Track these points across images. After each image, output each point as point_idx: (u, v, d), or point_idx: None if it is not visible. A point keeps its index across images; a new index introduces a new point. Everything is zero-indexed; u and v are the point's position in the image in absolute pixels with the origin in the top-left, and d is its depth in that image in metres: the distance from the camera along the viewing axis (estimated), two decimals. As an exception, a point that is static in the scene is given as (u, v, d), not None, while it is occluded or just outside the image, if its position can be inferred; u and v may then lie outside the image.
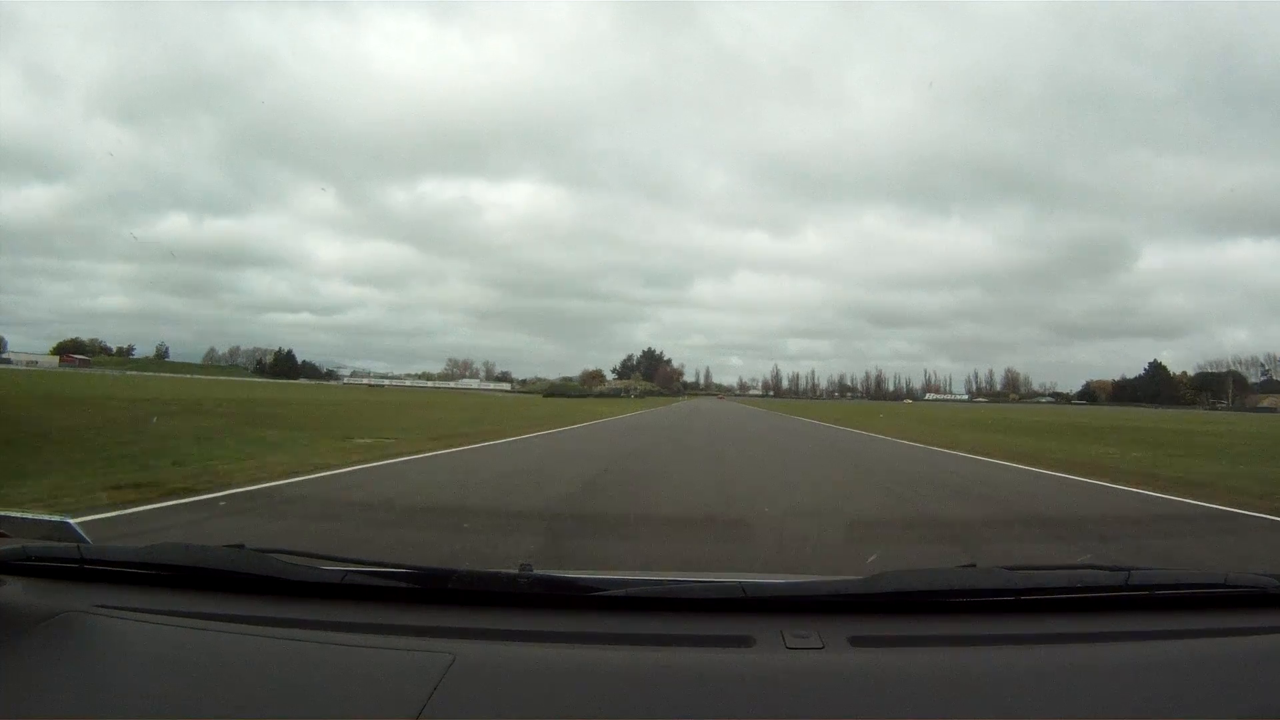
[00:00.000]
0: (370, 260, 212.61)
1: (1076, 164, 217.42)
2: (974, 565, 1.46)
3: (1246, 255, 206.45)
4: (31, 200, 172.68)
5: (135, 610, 1.24)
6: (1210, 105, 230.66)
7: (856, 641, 1.18)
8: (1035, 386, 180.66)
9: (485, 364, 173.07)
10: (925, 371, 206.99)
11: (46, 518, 1.47)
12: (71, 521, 1.43)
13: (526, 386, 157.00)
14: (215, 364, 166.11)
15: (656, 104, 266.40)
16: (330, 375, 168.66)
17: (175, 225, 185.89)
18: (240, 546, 1.43)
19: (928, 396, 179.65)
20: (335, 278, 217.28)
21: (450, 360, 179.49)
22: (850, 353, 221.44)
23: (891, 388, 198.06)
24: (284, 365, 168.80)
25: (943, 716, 1.00)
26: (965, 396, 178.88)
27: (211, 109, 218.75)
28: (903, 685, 1.06)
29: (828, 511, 6.60)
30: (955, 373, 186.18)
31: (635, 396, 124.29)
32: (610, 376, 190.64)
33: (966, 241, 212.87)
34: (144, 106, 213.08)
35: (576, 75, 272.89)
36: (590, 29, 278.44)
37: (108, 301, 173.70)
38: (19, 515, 1.45)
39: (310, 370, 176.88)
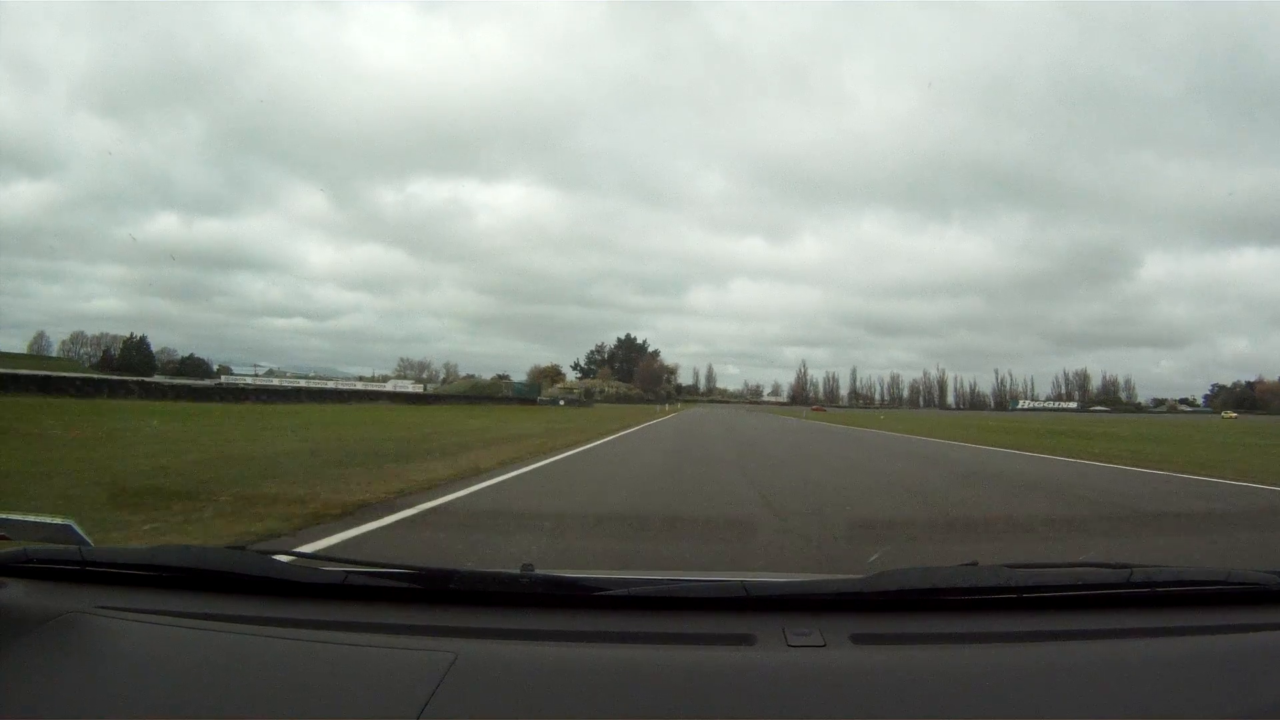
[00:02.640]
0: (363, 265, 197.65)
1: (1080, 167, 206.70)
2: (975, 563, 1.43)
3: (1250, 264, 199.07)
4: (19, 198, 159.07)
5: (137, 611, 1.23)
6: (1218, 107, 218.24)
7: (858, 639, 1.17)
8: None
9: (447, 365, 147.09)
10: (998, 374, 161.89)
11: (48, 520, 1.43)
12: (73, 523, 1.40)
13: (446, 387, 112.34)
14: (44, 355, 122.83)
15: (650, 101, 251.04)
16: (222, 373, 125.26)
17: (165, 226, 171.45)
18: (242, 548, 1.42)
19: (1022, 405, 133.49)
20: (328, 282, 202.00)
21: (402, 360, 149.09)
22: (847, 361, 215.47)
23: (951, 396, 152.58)
24: (133, 358, 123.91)
25: (945, 714, 1.00)
26: (1074, 405, 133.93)
27: (196, 104, 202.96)
28: (905, 683, 1.05)
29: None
30: (955, 379, 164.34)
31: (564, 403, 77.87)
32: (572, 376, 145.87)
33: (967, 248, 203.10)
34: (127, 101, 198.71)
35: (568, 69, 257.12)
36: (581, 19, 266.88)
37: (101, 304, 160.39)
38: (20, 518, 1.42)
39: (195, 368, 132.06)
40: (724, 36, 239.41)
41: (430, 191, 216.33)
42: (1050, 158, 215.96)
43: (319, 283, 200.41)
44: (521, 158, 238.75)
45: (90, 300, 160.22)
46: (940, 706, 1.00)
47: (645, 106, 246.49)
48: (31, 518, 1.42)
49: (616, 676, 1.05)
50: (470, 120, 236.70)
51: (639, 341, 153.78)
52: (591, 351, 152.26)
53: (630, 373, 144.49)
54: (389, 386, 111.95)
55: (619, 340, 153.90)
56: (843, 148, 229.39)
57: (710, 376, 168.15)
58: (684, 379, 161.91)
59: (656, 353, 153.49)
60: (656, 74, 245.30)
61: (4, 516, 1.38)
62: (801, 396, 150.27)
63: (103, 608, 1.22)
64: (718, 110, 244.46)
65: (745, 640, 1.16)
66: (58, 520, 1.40)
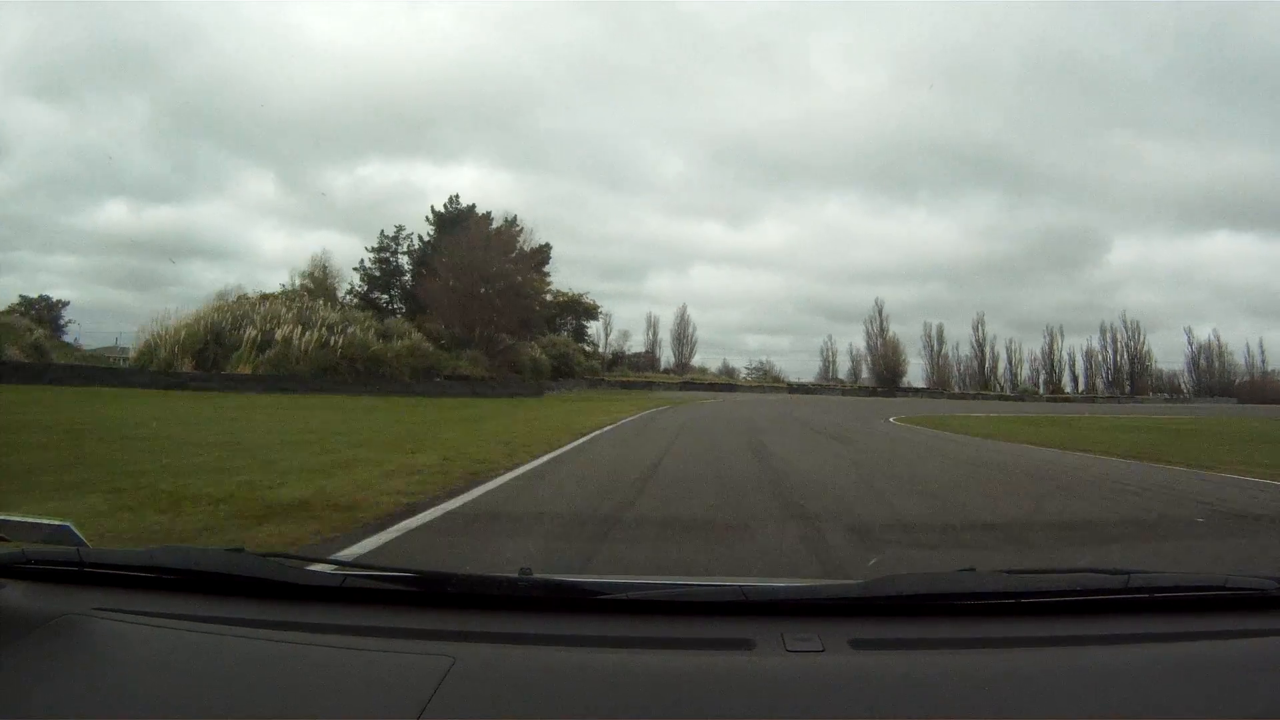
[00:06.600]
0: (316, 251, 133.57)
1: (1051, 148, 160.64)
2: (973, 569, 1.43)
3: (1221, 249, 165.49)
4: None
5: (135, 613, 1.23)
6: (1197, 88, 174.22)
7: (857, 644, 1.17)
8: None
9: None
10: (1191, 338, 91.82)
11: (46, 521, 1.44)
12: (71, 525, 1.41)
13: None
14: None
15: (609, 79, 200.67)
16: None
17: (115, 214, 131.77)
18: (240, 550, 1.43)
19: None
20: (283, 270, 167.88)
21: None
22: (809, 349, 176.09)
23: (1013, 384, 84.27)
24: None
25: (943, 719, 1.00)
26: None
27: (138, 85, 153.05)
28: (903, 688, 1.06)
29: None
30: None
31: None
32: (277, 285, 50.19)
33: (933, 232, 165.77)
34: (67, 82, 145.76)
35: (521, 44, 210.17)
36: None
37: (56, 295, 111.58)
38: (18, 519, 1.43)
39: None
40: (686, 9, 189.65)
41: (382, 174, 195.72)
42: (1022, 136, 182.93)
43: (273, 271, 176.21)
44: (475, 138, 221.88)
45: (44, 290, 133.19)
46: (939, 711, 1.00)
47: (604, 85, 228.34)
48: (30, 519, 1.41)
49: (615, 681, 1.05)
50: (420, 99, 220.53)
51: (483, 213, 50.02)
52: (376, 247, 53.56)
53: (419, 281, 47.04)
54: None
55: (434, 212, 52.38)
56: (809, 128, 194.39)
57: (688, 340, 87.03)
58: (635, 344, 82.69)
59: (546, 249, 53.29)
60: (616, 50, 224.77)
61: (2, 517, 1.37)
62: (890, 375, 68.65)
63: (100, 610, 1.21)
64: (680, 89, 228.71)
65: (744, 645, 1.15)
66: (56, 521, 1.40)
